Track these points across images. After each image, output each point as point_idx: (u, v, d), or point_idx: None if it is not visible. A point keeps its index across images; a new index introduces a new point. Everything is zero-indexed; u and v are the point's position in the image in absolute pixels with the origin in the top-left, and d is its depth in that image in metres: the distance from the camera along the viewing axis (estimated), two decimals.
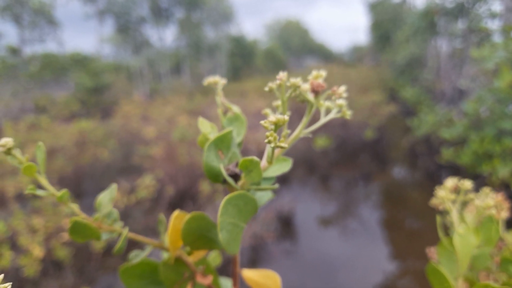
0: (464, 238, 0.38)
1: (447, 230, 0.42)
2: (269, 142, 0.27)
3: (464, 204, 0.43)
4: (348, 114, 0.31)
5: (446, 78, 6.82)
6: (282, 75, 0.30)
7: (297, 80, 0.30)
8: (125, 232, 0.37)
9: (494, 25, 5.42)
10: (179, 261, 0.39)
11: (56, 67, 11.69)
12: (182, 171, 4.28)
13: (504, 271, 0.39)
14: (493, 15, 5.40)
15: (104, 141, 5.26)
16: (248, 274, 0.41)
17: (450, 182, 0.44)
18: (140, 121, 6.15)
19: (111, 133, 5.74)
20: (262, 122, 0.28)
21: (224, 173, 0.32)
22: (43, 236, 2.69)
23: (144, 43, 14.78)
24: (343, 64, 17.20)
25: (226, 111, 0.40)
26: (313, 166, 5.73)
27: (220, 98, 0.39)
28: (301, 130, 0.31)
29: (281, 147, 0.28)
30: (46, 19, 11.66)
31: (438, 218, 0.41)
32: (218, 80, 0.40)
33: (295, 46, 29.52)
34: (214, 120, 0.42)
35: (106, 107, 10.13)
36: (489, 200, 0.41)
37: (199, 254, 0.40)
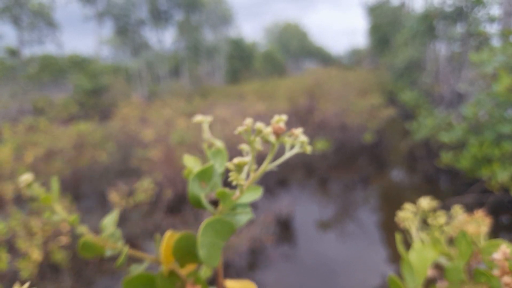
0: (419, 253, 0.43)
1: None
2: (232, 181, 0.34)
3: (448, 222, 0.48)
4: (308, 149, 0.36)
5: (445, 82, 6.84)
6: (248, 121, 0.35)
7: (260, 125, 0.34)
8: (126, 249, 0.43)
9: (492, 29, 5.45)
10: (173, 273, 0.44)
11: (54, 69, 11.68)
12: (181, 174, 4.26)
13: (477, 283, 0.41)
14: (491, 19, 5.42)
15: (103, 144, 5.24)
16: (230, 284, 0.47)
17: (424, 202, 0.49)
18: (139, 123, 6.13)
19: (110, 135, 5.72)
20: (227, 163, 0.34)
21: (204, 201, 0.38)
22: (41, 239, 2.67)
23: (143, 45, 14.79)
24: (342, 67, 17.21)
25: (210, 145, 0.46)
26: (312, 169, 5.72)
27: (206, 135, 0.45)
28: (267, 165, 0.35)
29: (241, 185, 0.35)
30: (45, 20, 11.67)
31: (398, 236, 0.45)
32: (204, 119, 0.46)
33: (294, 49, 29.60)
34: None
35: (105, 109, 10.10)
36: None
37: (190, 268, 0.45)
